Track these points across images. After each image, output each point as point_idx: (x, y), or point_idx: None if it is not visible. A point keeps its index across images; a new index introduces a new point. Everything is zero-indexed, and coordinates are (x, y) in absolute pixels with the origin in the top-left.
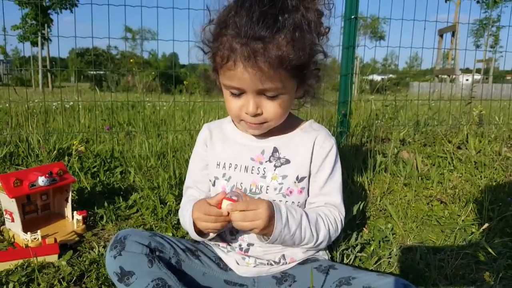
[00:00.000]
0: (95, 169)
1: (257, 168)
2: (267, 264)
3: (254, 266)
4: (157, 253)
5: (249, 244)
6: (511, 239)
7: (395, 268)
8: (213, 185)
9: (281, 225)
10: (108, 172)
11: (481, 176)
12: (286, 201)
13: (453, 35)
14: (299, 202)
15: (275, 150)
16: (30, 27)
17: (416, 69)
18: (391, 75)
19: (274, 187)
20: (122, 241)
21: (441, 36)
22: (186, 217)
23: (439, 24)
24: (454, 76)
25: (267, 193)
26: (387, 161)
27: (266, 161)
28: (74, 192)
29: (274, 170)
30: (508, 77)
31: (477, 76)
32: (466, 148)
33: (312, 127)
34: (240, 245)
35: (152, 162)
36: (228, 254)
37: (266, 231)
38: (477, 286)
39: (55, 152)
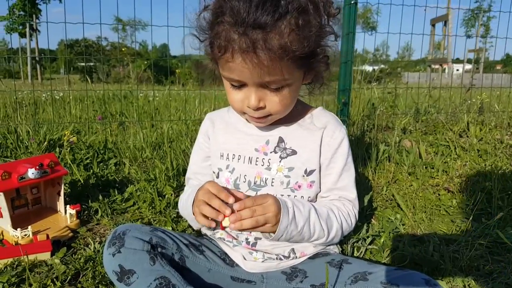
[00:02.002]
0: (88, 161)
1: (261, 159)
2: (276, 258)
3: (263, 261)
4: (159, 249)
5: (256, 238)
6: None
7: (409, 261)
8: (217, 177)
9: (287, 220)
10: (101, 164)
11: (485, 164)
12: (295, 196)
13: (445, 24)
14: (309, 197)
15: (281, 140)
16: (18, 18)
17: (407, 59)
18: (382, 66)
19: (281, 181)
20: (121, 237)
21: (433, 26)
22: (188, 201)
23: (434, 12)
24: (445, 67)
25: (272, 185)
26: (390, 149)
27: (271, 152)
28: (67, 185)
29: (280, 161)
30: (498, 67)
31: (468, 66)
32: (467, 136)
33: (321, 115)
34: (246, 239)
35: (148, 153)
36: (234, 249)
37: (274, 228)
38: (494, 278)
39: (45, 143)
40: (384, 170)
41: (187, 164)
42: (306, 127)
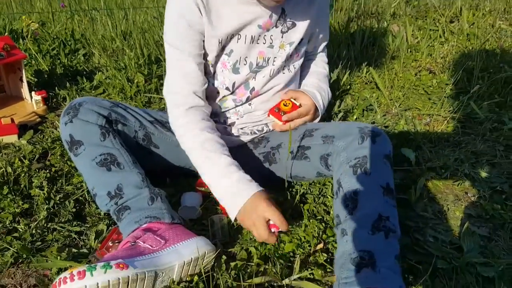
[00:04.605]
0: (54, 52)
1: (263, 36)
2: (250, 133)
3: (237, 136)
4: (119, 126)
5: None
6: (497, 103)
7: None
8: (213, 65)
9: (321, 111)
10: (69, 55)
11: (472, 48)
12: (288, 69)
13: None
14: (294, 65)
15: (283, 12)
16: None
17: None
18: None
19: (281, 57)
20: (77, 107)
21: None
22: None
23: None
24: None
25: (273, 64)
26: (375, 33)
27: (273, 27)
28: (32, 75)
29: (281, 37)
30: None
31: None
32: (459, 21)
33: None
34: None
35: (118, 43)
36: None
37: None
38: (461, 147)
39: (5, 34)
40: (367, 54)
41: (160, 53)
42: None
